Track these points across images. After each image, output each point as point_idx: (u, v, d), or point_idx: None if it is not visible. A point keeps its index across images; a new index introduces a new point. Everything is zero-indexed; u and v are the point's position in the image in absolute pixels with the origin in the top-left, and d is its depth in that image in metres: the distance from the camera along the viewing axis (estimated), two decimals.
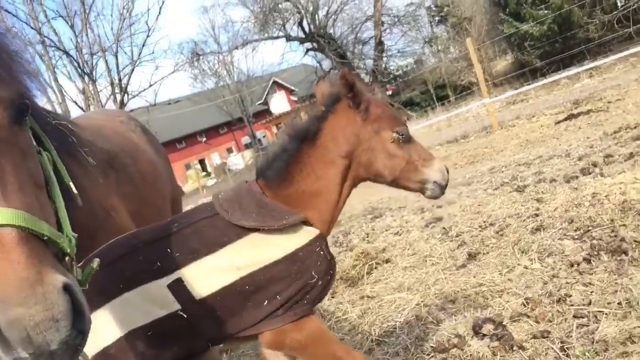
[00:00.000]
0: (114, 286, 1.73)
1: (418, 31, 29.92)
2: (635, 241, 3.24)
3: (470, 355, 2.62)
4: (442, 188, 2.06)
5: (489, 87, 13.58)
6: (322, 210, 1.95)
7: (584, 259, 3.25)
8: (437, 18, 29.91)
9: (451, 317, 3.14)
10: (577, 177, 5.36)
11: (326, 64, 28.56)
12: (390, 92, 28.20)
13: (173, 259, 1.76)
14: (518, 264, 3.59)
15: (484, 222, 5.04)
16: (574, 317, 2.63)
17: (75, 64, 24.38)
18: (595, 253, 3.28)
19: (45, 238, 1.19)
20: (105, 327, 1.71)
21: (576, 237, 3.73)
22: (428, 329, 3.09)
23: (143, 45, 25.67)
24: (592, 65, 15.66)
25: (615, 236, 3.44)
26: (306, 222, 1.88)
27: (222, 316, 1.76)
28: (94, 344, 1.68)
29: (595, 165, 5.57)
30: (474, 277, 3.57)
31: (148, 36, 26.19)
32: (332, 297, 4.35)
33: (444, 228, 5.25)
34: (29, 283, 1.08)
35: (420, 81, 26.85)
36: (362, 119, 1.97)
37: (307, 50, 28.32)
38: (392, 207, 7.63)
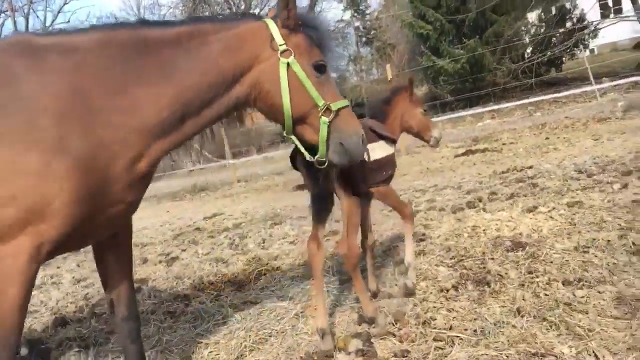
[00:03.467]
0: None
1: (345, 48, 30.69)
2: (498, 274, 3.55)
3: None
4: (438, 141, 3.80)
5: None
6: (396, 133, 3.70)
7: (453, 286, 3.50)
8: (364, 39, 30.86)
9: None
10: (462, 209, 5.77)
11: None
12: None
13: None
14: (395, 285, 3.79)
15: (375, 240, 5.25)
16: (434, 339, 2.82)
17: None
18: (463, 282, 3.55)
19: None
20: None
21: (450, 264, 4.00)
22: (301, 340, 3.16)
23: (59, 12, 23.92)
24: (495, 107, 16.97)
25: (483, 268, 3.75)
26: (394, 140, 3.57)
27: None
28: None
29: (480, 200, 6.03)
30: (354, 292, 3.70)
31: (66, 3, 24.47)
32: (216, 300, 4.31)
33: (336, 242, 5.39)
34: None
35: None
36: (410, 100, 3.73)
37: None
38: (293, 215, 7.72)
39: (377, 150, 3.34)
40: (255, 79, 2.36)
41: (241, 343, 3.27)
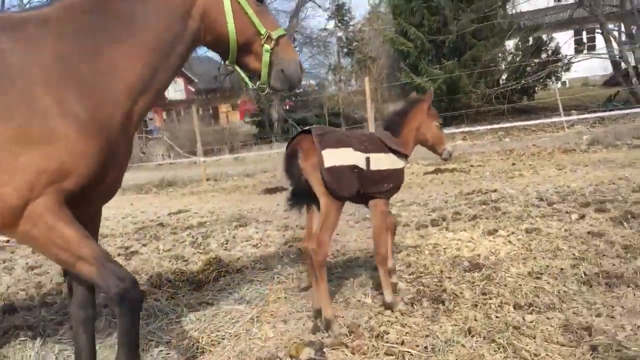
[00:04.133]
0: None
1: (326, 57, 30.87)
2: (454, 293, 3.62)
3: None
4: (451, 154, 3.78)
5: (377, 127, 14.33)
6: (409, 147, 3.62)
7: (409, 302, 3.55)
8: (345, 50, 31.10)
9: (279, 336, 3.24)
10: (426, 226, 5.86)
11: None
12: (287, 107, 28.54)
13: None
14: (353, 297, 3.81)
15: (337, 250, 5.30)
16: (385, 353, 2.85)
17: None
18: (419, 298, 3.60)
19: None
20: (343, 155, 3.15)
21: (409, 280, 4.06)
22: (254, 345, 3.14)
23: None
24: (467, 129, 17.30)
25: (440, 286, 3.81)
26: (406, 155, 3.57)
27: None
28: (342, 159, 3.13)
29: (444, 219, 6.13)
30: (312, 302, 3.71)
31: None
32: (172, 298, 4.25)
33: (300, 249, 5.40)
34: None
35: (318, 104, 27.57)
36: (427, 114, 3.66)
37: None
38: (260, 219, 7.70)
39: (383, 161, 3.37)
40: (203, 9, 2.50)
41: (193, 344, 3.23)
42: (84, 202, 2.30)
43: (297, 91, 29.82)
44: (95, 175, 2.18)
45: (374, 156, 3.30)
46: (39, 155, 2.03)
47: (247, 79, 2.75)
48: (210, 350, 3.15)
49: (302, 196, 3.28)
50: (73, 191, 2.13)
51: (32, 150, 2.03)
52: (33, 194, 2.05)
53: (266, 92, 2.78)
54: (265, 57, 2.63)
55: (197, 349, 3.17)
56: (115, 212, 10.08)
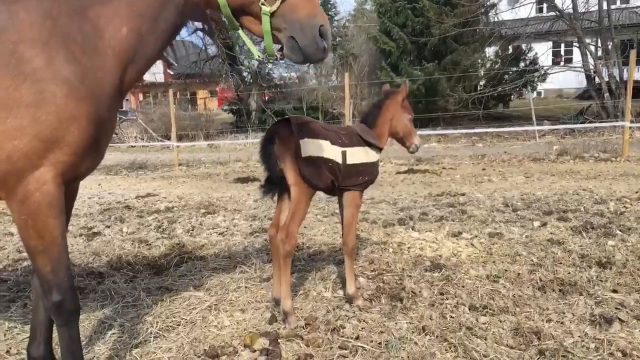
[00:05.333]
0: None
1: None
2: (412, 292, 3.66)
3: None
4: (418, 148, 3.73)
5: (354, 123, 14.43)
6: (384, 139, 3.64)
7: (368, 298, 3.57)
8: None
9: (236, 325, 3.22)
10: (393, 224, 5.91)
11: (212, 50, 27.76)
12: (266, 98, 28.36)
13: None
14: (314, 290, 3.82)
15: (302, 243, 5.29)
16: (339, 347, 2.87)
17: None
18: (378, 295, 3.63)
19: None
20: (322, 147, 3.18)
21: (370, 276, 4.09)
22: (209, 333, 3.12)
23: None
24: (442, 132, 17.51)
25: (400, 284, 3.85)
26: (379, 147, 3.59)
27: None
28: (319, 150, 3.14)
29: (411, 218, 6.20)
30: (271, 292, 3.70)
31: None
32: (131, 281, 4.19)
33: (265, 240, 5.38)
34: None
35: (297, 97, 27.47)
36: (401, 105, 3.66)
37: (196, 29, 27.30)
38: (228, 207, 7.64)
39: (358, 155, 3.38)
40: None
41: (147, 328, 3.19)
42: (76, 177, 2.21)
43: (277, 82, 29.65)
44: (89, 144, 2.07)
45: (350, 150, 3.32)
46: (29, 120, 1.92)
47: (253, 49, 2.38)
48: (164, 336, 3.12)
49: (275, 183, 3.26)
50: (69, 164, 2.04)
51: (21, 114, 1.91)
52: (28, 163, 1.96)
53: (277, 60, 2.37)
54: (265, 22, 2.20)
55: (151, 333, 3.14)
56: (81, 192, 9.84)
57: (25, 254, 4.74)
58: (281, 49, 2.33)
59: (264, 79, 27.34)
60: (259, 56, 2.39)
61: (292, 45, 2.26)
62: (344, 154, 3.28)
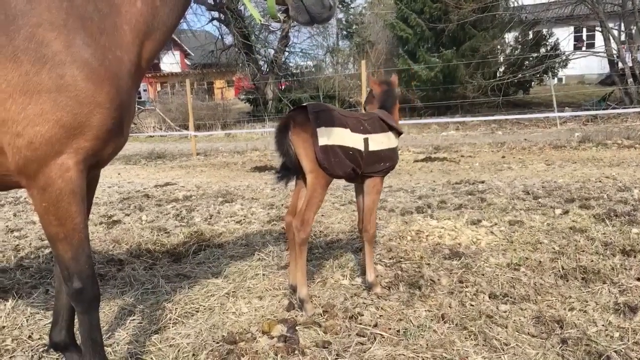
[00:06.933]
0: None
1: (325, 39, 30.51)
2: (431, 280, 3.62)
3: (256, 351, 2.71)
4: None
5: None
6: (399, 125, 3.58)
7: (386, 286, 3.55)
8: (344, 32, 30.79)
9: (253, 312, 3.23)
10: (411, 212, 5.86)
11: (229, 39, 27.74)
12: (282, 87, 28.29)
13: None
14: (331, 277, 3.81)
15: (320, 232, 5.28)
16: (357, 334, 2.86)
17: None
18: (397, 282, 3.61)
19: None
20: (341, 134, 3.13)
21: (388, 264, 4.06)
22: (227, 319, 3.13)
23: None
24: (461, 119, 17.30)
25: (419, 272, 3.82)
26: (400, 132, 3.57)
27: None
28: (338, 139, 3.10)
29: (429, 206, 6.14)
30: (288, 280, 3.70)
31: None
32: (150, 269, 4.23)
33: (283, 228, 5.38)
34: None
35: (314, 86, 27.34)
36: None
37: (213, 18, 27.28)
38: (246, 196, 7.66)
39: (381, 141, 3.34)
40: None
41: (166, 315, 3.22)
42: (98, 163, 2.19)
43: (294, 71, 29.53)
44: (112, 127, 2.04)
45: (372, 137, 3.28)
46: (50, 105, 1.89)
47: (254, 12, 2.34)
48: (183, 322, 3.14)
49: (290, 170, 3.24)
50: (92, 149, 2.02)
51: (42, 100, 1.89)
52: (50, 150, 1.93)
53: (279, 22, 2.36)
54: None
55: (170, 319, 3.16)
56: (101, 181, 9.94)
57: (46, 242, 4.82)
58: (285, 11, 2.28)
59: (281, 67, 27.23)
60: (260, 20, 2.37)
61: (298, 5, 2.22)
62: (366, 141, 3.24)
